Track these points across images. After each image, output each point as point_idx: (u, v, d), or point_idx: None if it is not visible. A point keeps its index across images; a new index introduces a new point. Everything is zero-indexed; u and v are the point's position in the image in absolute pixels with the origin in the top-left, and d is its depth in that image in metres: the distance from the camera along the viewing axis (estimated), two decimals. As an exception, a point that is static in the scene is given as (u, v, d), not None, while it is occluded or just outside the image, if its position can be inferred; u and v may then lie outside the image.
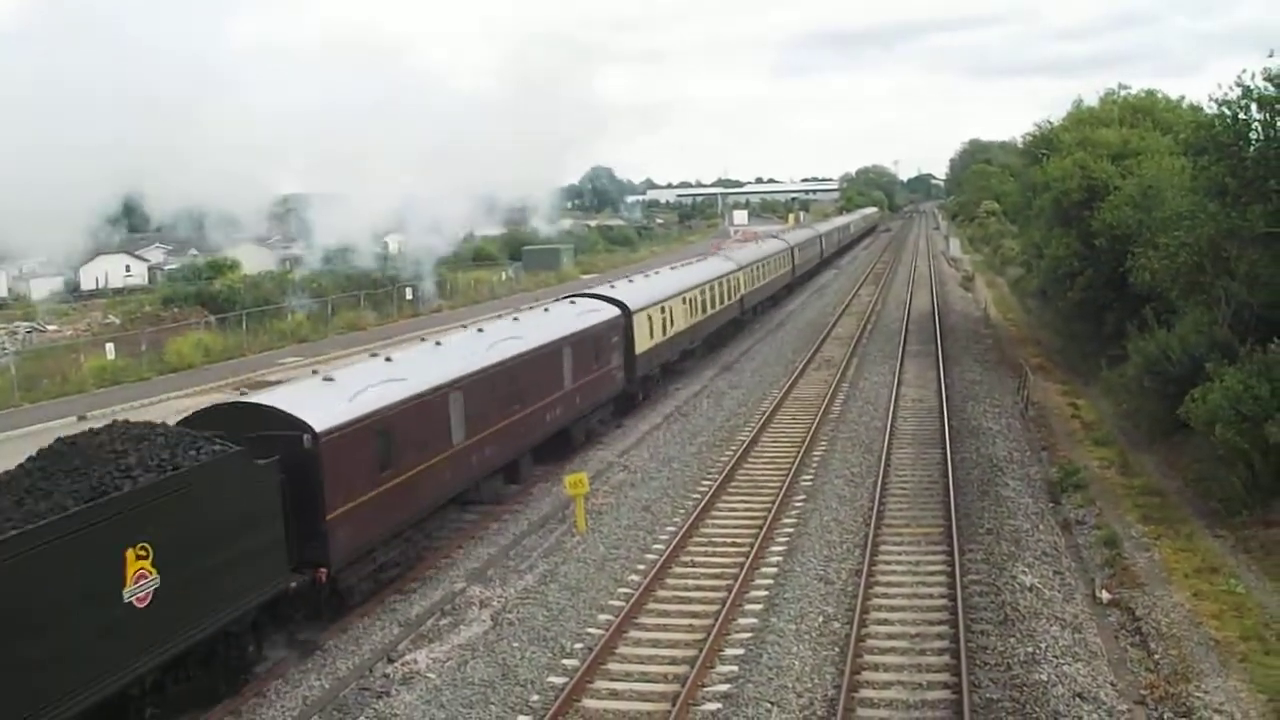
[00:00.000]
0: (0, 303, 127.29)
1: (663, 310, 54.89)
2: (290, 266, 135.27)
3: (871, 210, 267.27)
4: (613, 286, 54.18)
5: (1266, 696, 21.98)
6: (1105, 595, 27.68)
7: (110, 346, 70.57)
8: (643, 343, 51.01)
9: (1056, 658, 23.75)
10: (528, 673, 24.23)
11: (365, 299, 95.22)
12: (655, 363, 53.92)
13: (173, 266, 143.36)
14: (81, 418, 51.00)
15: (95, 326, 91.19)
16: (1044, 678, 22.76)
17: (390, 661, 25.42)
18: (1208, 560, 29.47)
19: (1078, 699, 21.85)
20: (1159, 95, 66.73)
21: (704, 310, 63.84)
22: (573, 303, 48.85)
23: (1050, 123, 71.11)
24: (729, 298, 71.00)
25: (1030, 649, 24.22)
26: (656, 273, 64.54)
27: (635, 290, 53.84)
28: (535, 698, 23.02)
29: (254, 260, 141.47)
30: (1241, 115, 35.57)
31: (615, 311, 48.65)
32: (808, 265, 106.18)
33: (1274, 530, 30.55)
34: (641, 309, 51.33)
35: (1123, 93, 67.83)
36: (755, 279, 78.27)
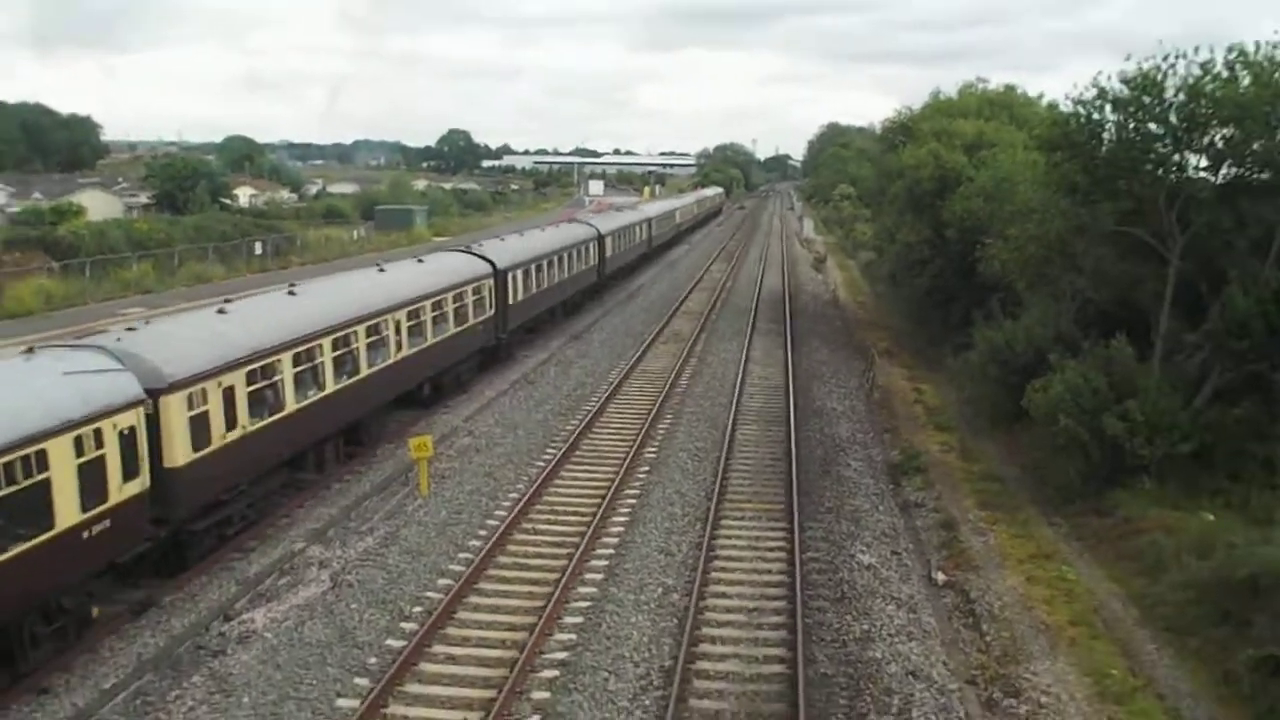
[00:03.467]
0: None
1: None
2: (137, 214, 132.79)
3: (711, 192, 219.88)
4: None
5: (1092, 679, 22.53)
6: (941, 577, 28.13)
7: (-59, 290, 68.67)
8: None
9: (891, 636, 24.09)
10: (366, 635, 24.02)
11: (213, 252, 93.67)
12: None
13: (14, 209, 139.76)
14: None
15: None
16: (878, 655, 23.08)
17: (227, 620, 25.06)
18: (1041, 546, 30.11)
19: (910, 677, 22.18)
20: (1017, 90, 67.70)
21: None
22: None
23: (909, 110, 71.81)
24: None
25: (866, 627, 24.54)
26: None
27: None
28: (373, 660, 22.83)
29: (100, 206, 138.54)
30: (1096, 115, 36.14)
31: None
32: (624, 258, 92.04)
33: (1106, 519, 31.25)
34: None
35: (981, 86, 68.75)
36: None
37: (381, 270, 43.02)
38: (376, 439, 39.29)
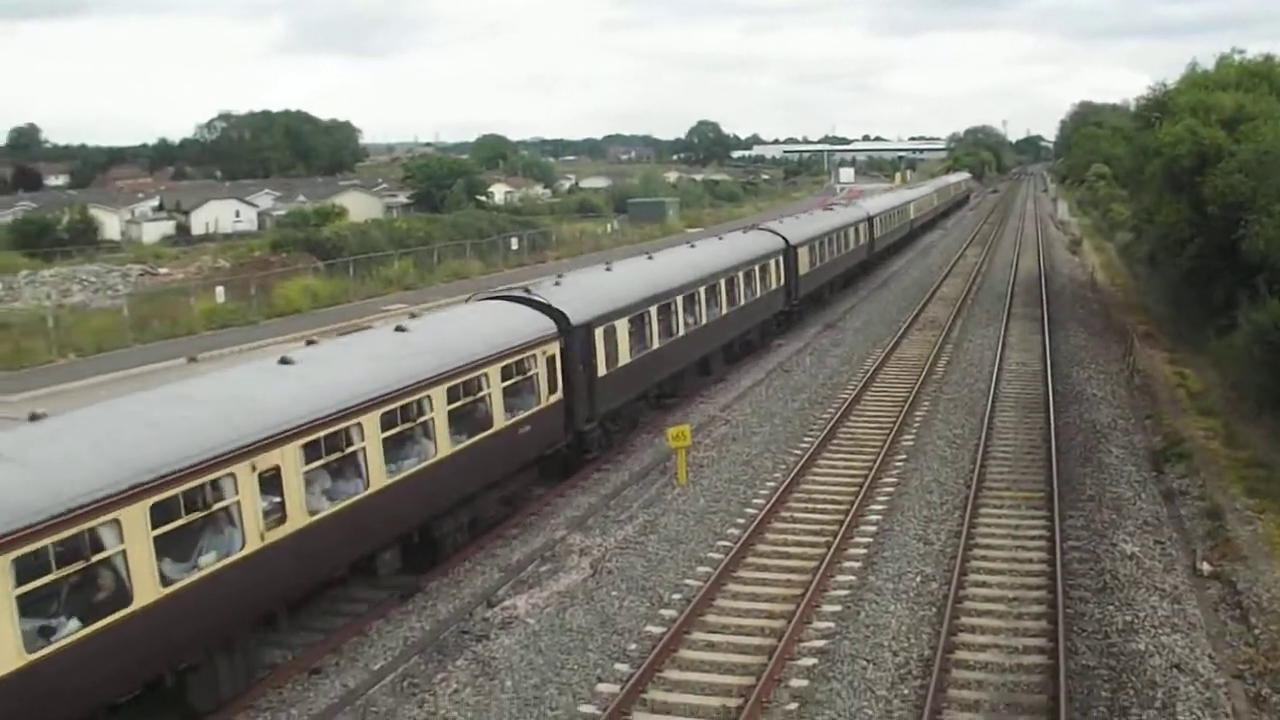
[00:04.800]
0: (113, 245, 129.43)
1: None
2: (396, 214, 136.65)
3: (955, 178, 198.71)
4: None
5: (1367, 674, 21.84)
6: (1206, 567, 27.50)
7: (220, 290, 71.84)
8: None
9: (1155, 628, 23.66)
10: (626, 621, 24.52)
11: (470, 248, 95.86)
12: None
13: (281, 212, 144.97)
14: (192, 359, 51.96)
15: (206, 270, 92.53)
16: (1141, 647, 22.70)
17: (490, 606, 25.77)
18: (1312, 535, 29.20)
19: (1175, 670, 21.78)
20: (1276, 60, 65.46)
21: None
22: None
23: (1164, 85, 69.99)
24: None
25: (1128, 618, 24.14)
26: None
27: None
28: (633, 647, 23.29)
29: (360, 207, 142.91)
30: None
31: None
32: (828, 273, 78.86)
33: (1380, 506, 30.22)
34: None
35: (1238, 56, 66.69)
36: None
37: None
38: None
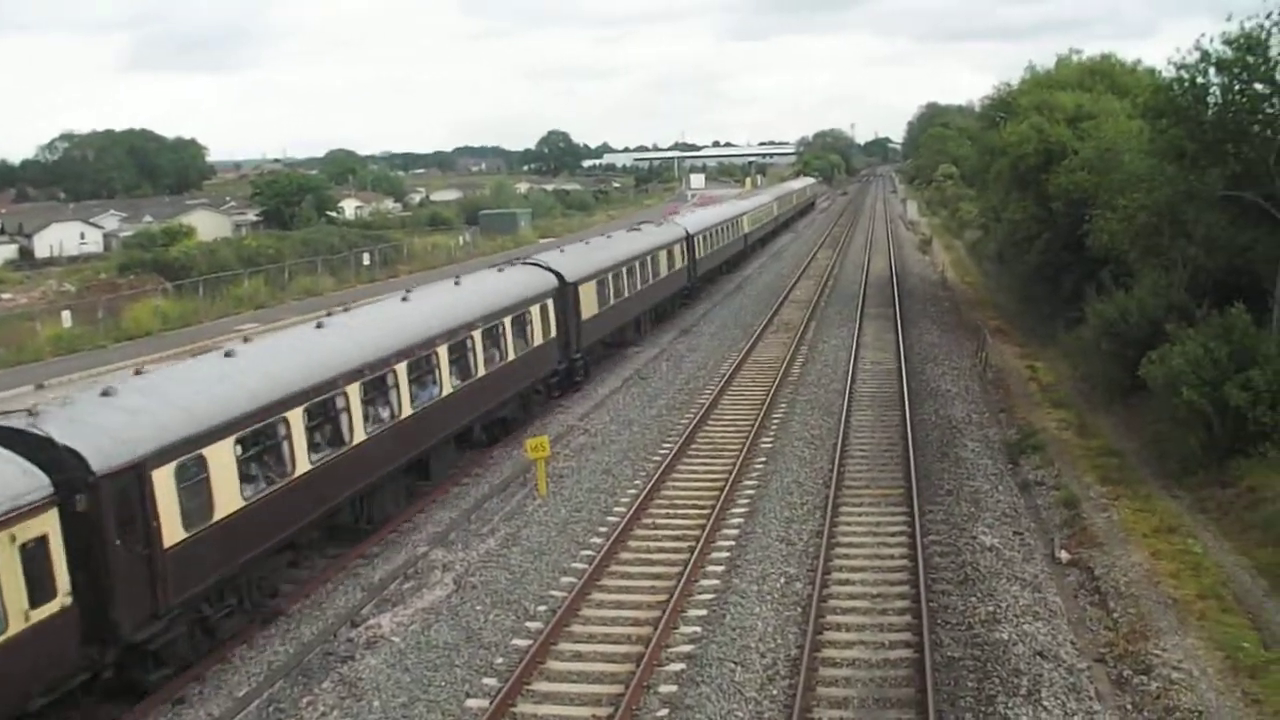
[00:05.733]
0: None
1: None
2: (245, 232, 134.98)
3: (798, 184, 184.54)
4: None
5: (1223, 653, 22.23)
6: (1064, 555, 27.91)
7: (67, 314, 70.34)
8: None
9: (1017, 617, 23.97)
10: (492, 635, 24.27)
11: (322, 265, 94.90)
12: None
13: (127, 233, 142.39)
14: (39, 386, 50.73)
15: (51, 294, 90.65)
16: (1005, 636, 22.97)
17: (354, 625, 25.43)
18: (1165, 520, 29.68)
19: (1038, 657, 22.05)
20: (1114, 59, 66.81)
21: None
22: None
23: (1008, 85, 71.15)
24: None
25: (991, 608, 24.44)
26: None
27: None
28: (500, 660, 23.07)
29: (209, 226, 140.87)
30: (1200, 79, 35.71)
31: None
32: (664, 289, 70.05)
33: (1230, 490, 30.82)
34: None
35: (1076, 56, 67.94)
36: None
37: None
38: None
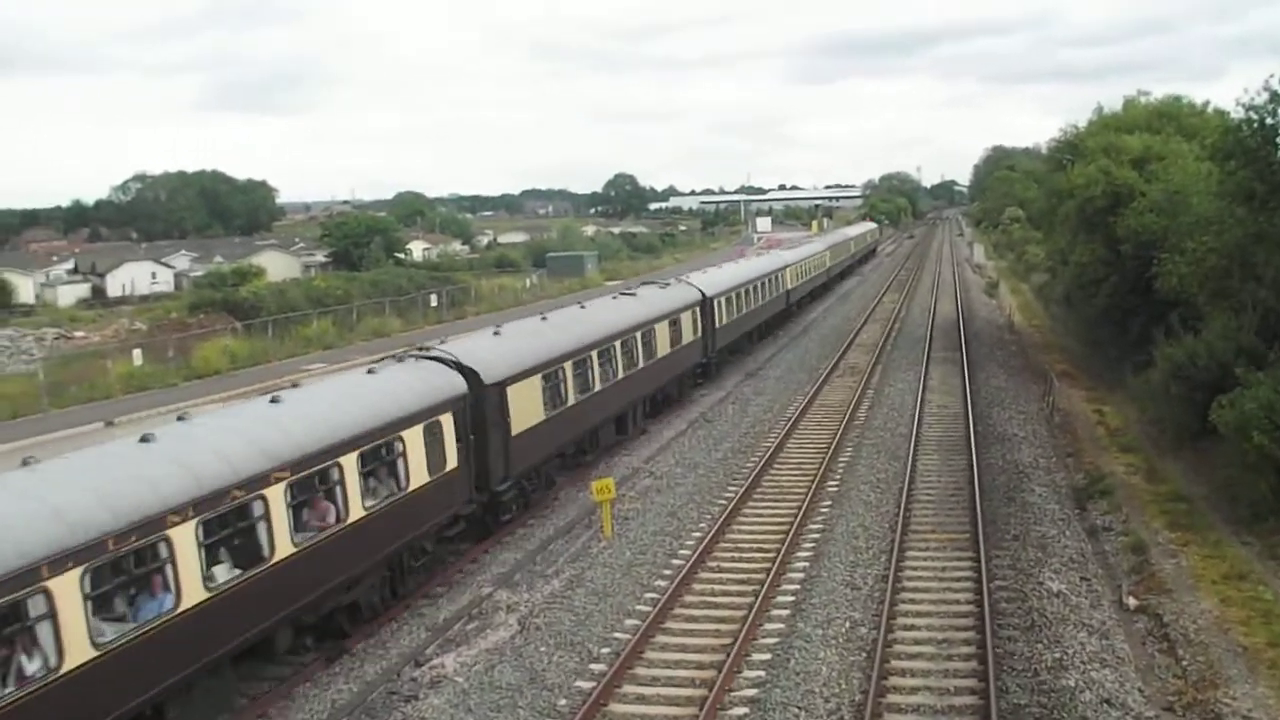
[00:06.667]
0: (27, 309, 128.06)
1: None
2: (314, 273, 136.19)
3: (855, 230, 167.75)
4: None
5: (1295, 703, 21.94)
6: (1132, 601, 27.63)
7: (138, 352, 71.09)
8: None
9: (1084, 664, 23.72)
10: (555, 677, 24.26)
11: (390, 306, 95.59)
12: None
13: (198, 273, 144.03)
14: (109, 423, 51.29)
15: (123, 332, 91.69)
16: (1071, 684, 22.73)
17: (418, 665, 25.46)
18: (1235, 567, 29.36)
19: (1105, 705, 21.82)
20: (1183, 100, 66.54)
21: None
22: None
23: (1076, 128, 70.89)
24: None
25: (1057, 655, 24.19)
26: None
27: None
28: (563, 702, 23.04)
29: (278, 267, 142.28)
30: (1269, 120, 35.51)
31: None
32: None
33: (1302, 537, 30.46)
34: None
35: (1144, 99, 67.69)
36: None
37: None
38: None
